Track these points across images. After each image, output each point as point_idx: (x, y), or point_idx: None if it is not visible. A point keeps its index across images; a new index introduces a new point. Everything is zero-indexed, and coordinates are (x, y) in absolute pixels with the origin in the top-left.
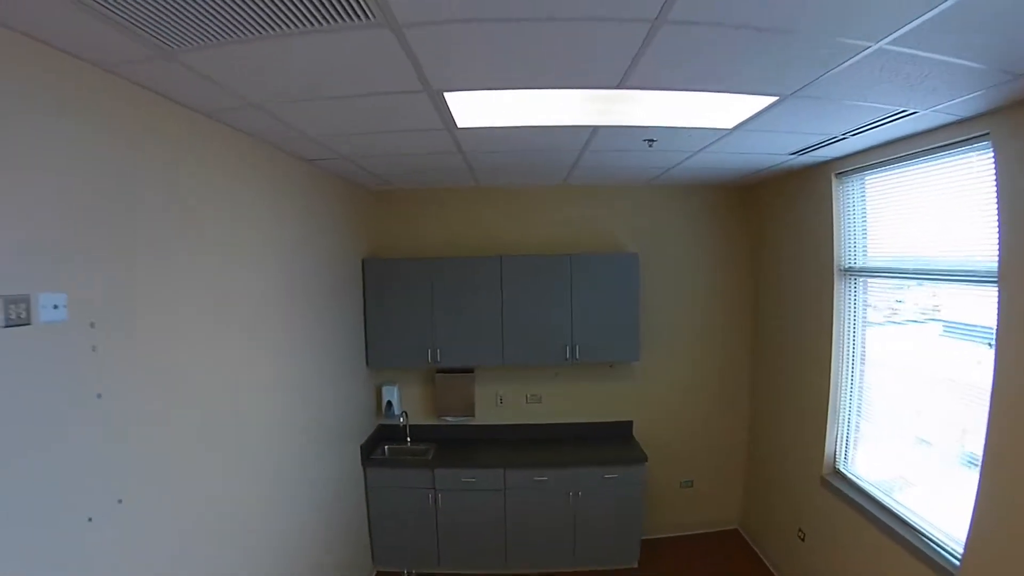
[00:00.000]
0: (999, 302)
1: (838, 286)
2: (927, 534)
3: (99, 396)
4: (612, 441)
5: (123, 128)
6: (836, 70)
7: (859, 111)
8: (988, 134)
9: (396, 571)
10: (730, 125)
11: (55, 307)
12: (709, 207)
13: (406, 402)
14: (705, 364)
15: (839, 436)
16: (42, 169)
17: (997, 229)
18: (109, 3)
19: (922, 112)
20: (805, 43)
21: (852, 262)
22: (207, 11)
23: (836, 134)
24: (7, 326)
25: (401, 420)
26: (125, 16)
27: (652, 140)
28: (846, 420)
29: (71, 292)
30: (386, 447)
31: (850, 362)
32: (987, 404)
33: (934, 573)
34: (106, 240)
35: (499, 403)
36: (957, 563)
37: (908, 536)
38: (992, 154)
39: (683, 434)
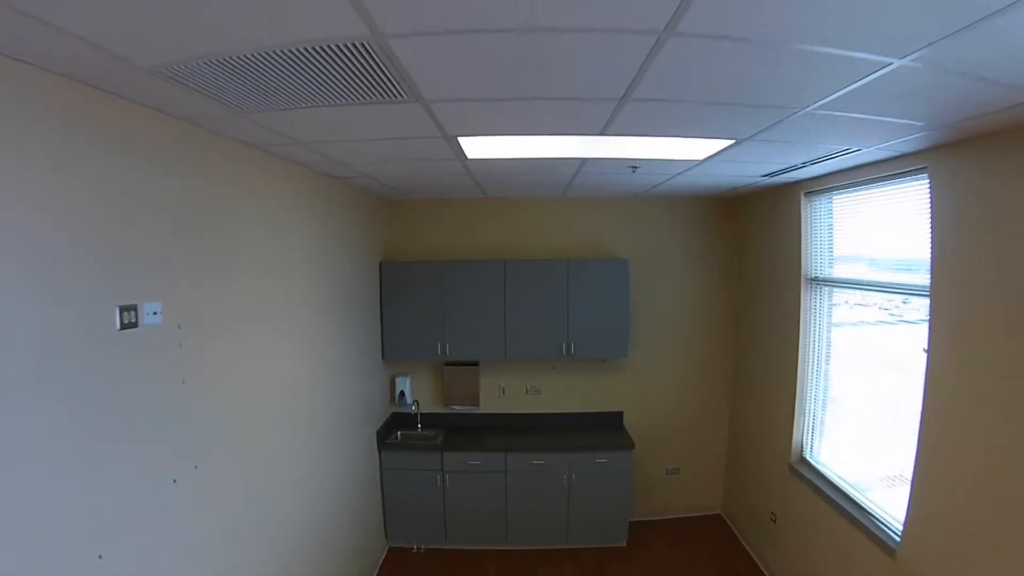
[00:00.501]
0: (930, 312)
1: (805, 294)
2: (876, 516)
3: (183, 382)
4: (604, 430)
5: (198, 170)
6: (778, 125)
7: (809, 148)
8: (926, 168)
9: (407, 547)
10: (700, 157)
11: (154, 313)
12: (694, 217)
13: (417, 392)
14: (690, 361)
15: (805, 428)
16: (145, 209)
17: (930, 250)
18: (210, 89)
19: (866, 149)
20: (747, 109)
21: (818, 272)
22: (283, 96)
23: (796, 163)
24: (122, 329)
25: (413, 408)
26: (219, 96)
27: (635, 167)
28: (811, 414)
29: (164, 301)
30: (399, 432)
31: (815, 362)
32: (920, 402)
33: (880, 550)
34: (187, 260)
35: (502, 394)
36: (898, 539)
37: (860, 518)
38: (929, 185)
39: (669, 425)
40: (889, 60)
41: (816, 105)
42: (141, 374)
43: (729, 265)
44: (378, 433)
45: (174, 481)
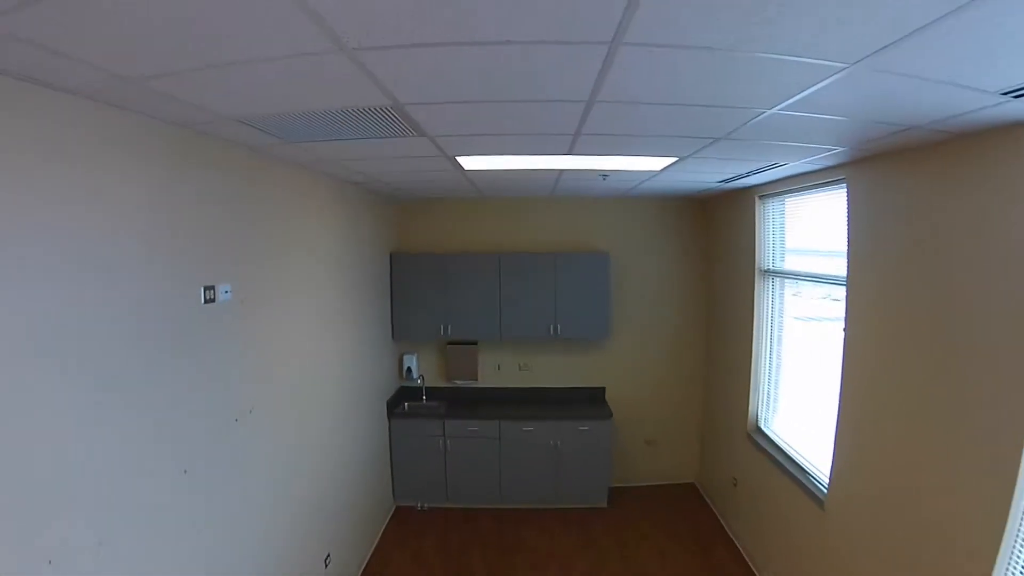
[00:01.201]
0: (847, 298)
1: (759, 284)
2: (811, 473)
3: (243, 346)
4: (587, 403)
5: (255, 184)
6: (704, 149)
7: (743, 163)
8: (844, 179)
9: (412, 505)
10: (657, 168)
11: (226, 292)
12: (669, 215)
13: (423, 368)
14: (667, 343)
15: (760, 401)
16: (221, 215)
17: (847, 247)
18: (273, 131)
19: (792, 164)
20: (674, 138)
21: (770, 265)
22: (326, 133)
23: (741, 173)
24: (205, 303)
25: (419, 382)
26: (278, 135)
27: (604, 175)
28: (764, 388)
29: (232, 283)
30: (406, 403)
31: (768, 344)
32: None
33: (813, 503)
34: (248, 252)
35: (497, 370)
36: (825, 491)
37: (799, 476)
38: (846, 193)
39: (648, 400)
40: (762, 110)
41: (726, 135)
42: (215, 338)
43: (700, 257)
44: (388, 404)
45: (236, 420)
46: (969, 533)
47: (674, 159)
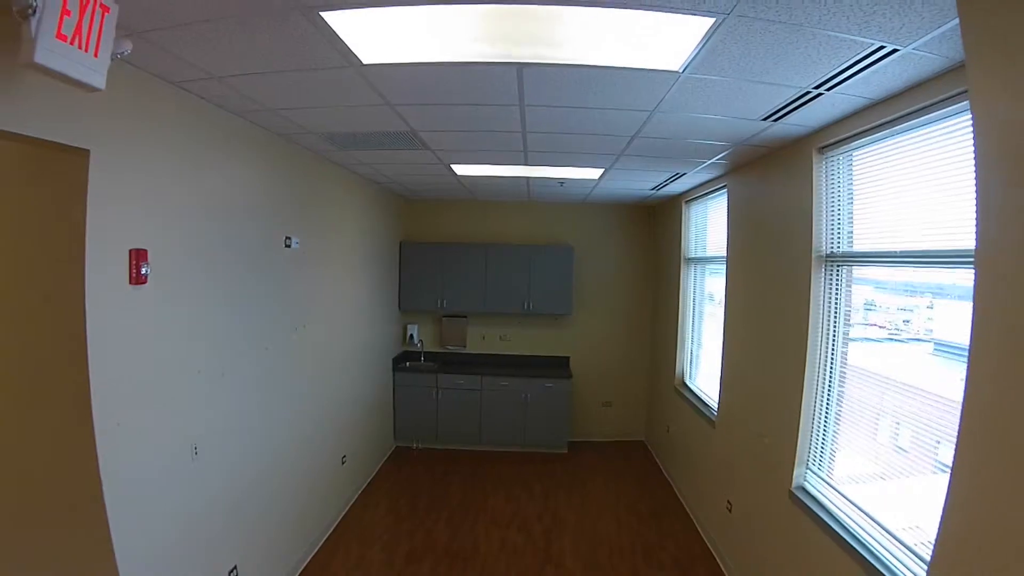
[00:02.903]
0: (726, 277)
1: (684, 269)
2: (711, 405)
3: (302, 281)
4: (553, 367)
5: (312, 175)
6: (617, 162)
7: (655, 173)
8: (725, 186)
9: (408, 445)
10: (595, 177)
11: (297, 242)
12: (622, 218)
13: (422, 335)
14: (620, 320)
15: (684, 361)
16: (294, 192)
17: (727, 235)
18: (336, 142)
19: (691, 173)
20: (590, 154)
21: (692, 254)
22: (365, 144)
23: (661, 181)
24: (285, 247)
25: (419, 346)
26: (338, 144)
27: (561, 182)
28: (688, 351)
29: (300, 237)
30: (408, 363)
31: (692, 316)
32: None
33: (709, 425)
34: (308, 218)
35: (482, 339)
36: (716, 414)
37: (704, 410)
38: (727, 196)
39: (605, 367)
40: (627, 136)
41: (622, 152)
42: (287, 272)
43: (646, 251)
44: (393, 361)
45: (295, 330)
46: (785, 426)
47: (602, 169)
